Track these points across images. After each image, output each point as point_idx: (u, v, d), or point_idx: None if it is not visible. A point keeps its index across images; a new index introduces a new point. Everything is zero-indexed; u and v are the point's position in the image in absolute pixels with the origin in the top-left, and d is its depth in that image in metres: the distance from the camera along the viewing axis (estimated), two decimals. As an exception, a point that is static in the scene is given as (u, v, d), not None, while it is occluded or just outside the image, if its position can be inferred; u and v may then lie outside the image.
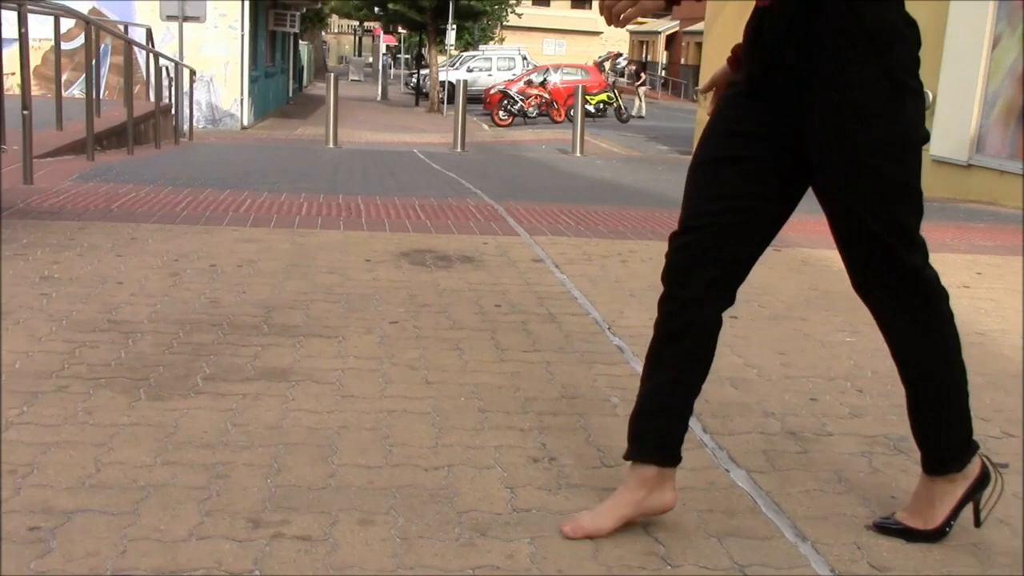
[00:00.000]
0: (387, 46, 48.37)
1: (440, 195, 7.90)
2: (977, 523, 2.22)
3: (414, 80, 43.60)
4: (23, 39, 6.78)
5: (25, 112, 6.54)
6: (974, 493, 2.19)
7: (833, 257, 5.21)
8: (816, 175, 2.06)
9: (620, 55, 47.19)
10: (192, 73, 16.90)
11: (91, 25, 9.87)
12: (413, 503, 2.26)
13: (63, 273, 4.22)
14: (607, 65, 40.42)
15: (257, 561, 1.97)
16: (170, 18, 18.07)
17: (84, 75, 20.49)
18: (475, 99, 34.24)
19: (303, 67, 37.81)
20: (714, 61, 16.86)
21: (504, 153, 16.86)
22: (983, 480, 2.20)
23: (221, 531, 2.09)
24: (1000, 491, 2.22)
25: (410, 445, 2.61)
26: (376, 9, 32.88)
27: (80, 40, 20.77)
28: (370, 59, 58.40)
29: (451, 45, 30.94)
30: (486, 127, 27.53)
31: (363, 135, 19.90)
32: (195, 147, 13.70)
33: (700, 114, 18.77)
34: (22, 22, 6.84)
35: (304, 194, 7.20)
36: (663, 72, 53.47)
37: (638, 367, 3.37)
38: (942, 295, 2.11)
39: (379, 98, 37.81)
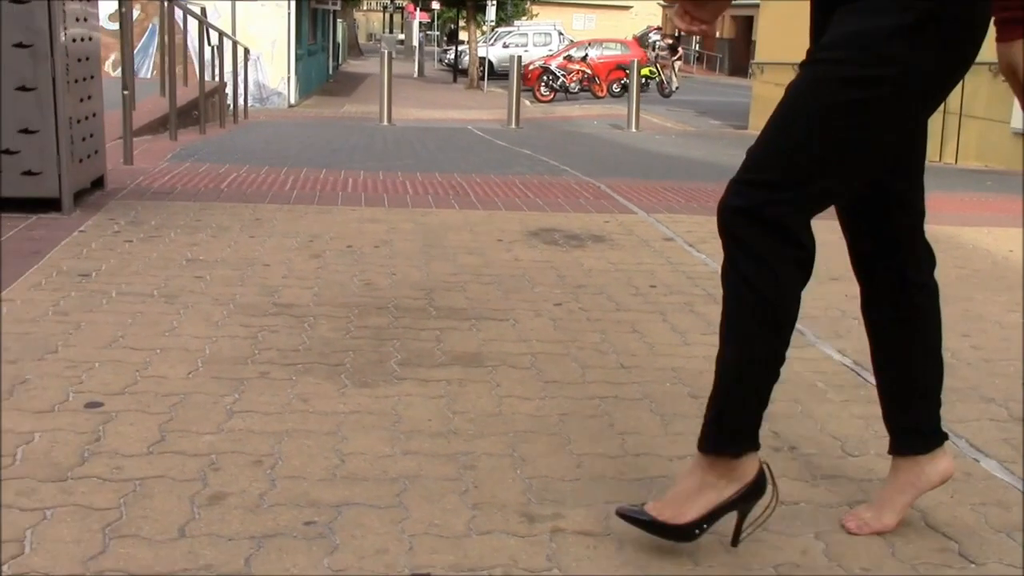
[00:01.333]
0: (420, 23, 48.14)
1: (533, 172, 7.79)
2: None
3: (448, 57, 43.42)
4: (124, 18, 6.68)
5: (125, 92, 6.46)
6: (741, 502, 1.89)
7: (969, 235, 5.05)
8: None
9: (659, 29, 46.72)
10: (246, 52, 16.81)
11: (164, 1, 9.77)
12: (678, 495, 2.17)
13: (206, 255, 4.15)
14: (650, 41, 39.95)
15: (551, 558, 1.89)
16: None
17: (133, 55, 20.50)
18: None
19: (339, 45, 37.69)
20: (768, 31, 16.53)
21: (560, 129, 16.71)
22: (755, 488, 1.89)
23: (498, 525, 2.00)
24: (773, 509, 1.93)
25: (640, 433, 2.52)
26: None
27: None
28: (401, 36, 58.16)
29: (491, 21, 30.68)
30: (528, 103, 27.23)
31: (410, 112, 19.79)
32: (256, 126, 13.63)
33: (756, 88, 18.53)
34: None
35: (399, 172, 7.11)
36: (697, 46, 52.87)
37: (827, 349, 3.28)
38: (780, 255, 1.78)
39: (416, 75, 37.64)
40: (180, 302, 3.46)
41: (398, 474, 2.21)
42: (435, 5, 40.57)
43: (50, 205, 4.82)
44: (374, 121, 16.85)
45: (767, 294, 1.79)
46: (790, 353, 1.89)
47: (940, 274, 2.10)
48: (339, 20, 38.05)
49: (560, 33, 38.85)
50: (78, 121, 4.94)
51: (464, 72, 34.87)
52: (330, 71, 31.72)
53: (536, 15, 48.12)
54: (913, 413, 2.06)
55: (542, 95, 28.37)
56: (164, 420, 2.44)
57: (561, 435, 2.48)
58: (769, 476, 1.91)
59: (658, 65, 29.68)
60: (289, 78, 21.33)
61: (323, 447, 2.33)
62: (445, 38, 53.16)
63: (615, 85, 28.98)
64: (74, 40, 4.87)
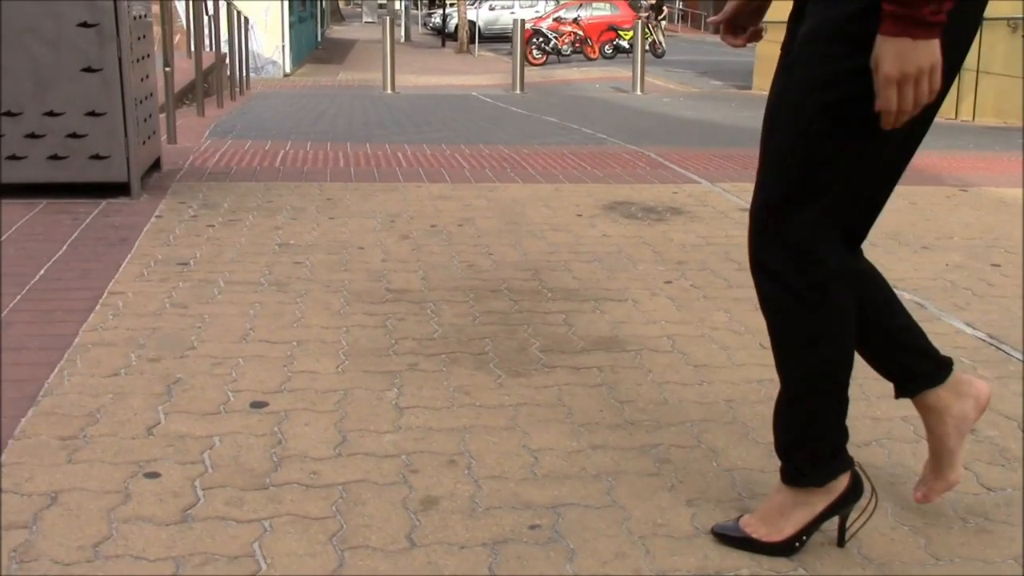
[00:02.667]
0: (401, -14, 47.57)
1: (575, 142, 7.70)
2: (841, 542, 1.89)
3: (434, 20, 42.93)
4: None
5: (167, 69, 6.32)
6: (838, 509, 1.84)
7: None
8: None
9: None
10: (245, 20, 16.53)
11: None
12: (897, 488, 2.13)
13: (296, 239, 4.07)
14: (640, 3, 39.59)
15: (795, 557, 1.84)
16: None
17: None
18: (498, 38, 33.78)
19: (324, 11, 37.22)
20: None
21: (565, 94, 16.56)
22: (849, 495, 1.84)
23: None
24: (873, 510, 1.90)
25: (816, 418, 2.48)
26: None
27: None
28: (382, 0, 57.49)
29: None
30: (521, 66, 27.06)
31: (408, 79, 19.52)
32: (264, 97, 13.44)
33: (761, 48, 18.39)
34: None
35: (443, 145, 7.01)
36: (680, 4, 52.54)
37: (955, 323, 3.24)
38: (815, 275, 1.71)
39: (402, 40, 37.22)
40: (292, 290, 3.39)
41: (597, 471, 2.16)
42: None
43: (117, 189, 4.71)
44: (376, 89, 16.68)
45: (815, 318, 1.72)
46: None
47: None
48: (323, -15, 37.56)
49: (546, -6, 38.42)
50: (139, 102, 4.82)
51: (452, 36, 34.51)
52: (319, 38, 31.34)
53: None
54: (904, 353, 1.92)
55: (534, 58, 28.07)
56: (337, 419, 2.37)
57: (737, 423, 2.43)
58: (864, 476, 1.87)
59: (650, 26, 29.44)
60: (284, 47, 21.04)
61: (509, 444, 2.28)
62: (427, 1, 52.59)
63: (607, 46, 28.74)
64: (134, 18, 4.74)
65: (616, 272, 3.75)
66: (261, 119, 9.02)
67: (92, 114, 4.55)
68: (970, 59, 11.94)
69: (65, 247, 3.83)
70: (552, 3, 36.24)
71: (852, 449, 1.86)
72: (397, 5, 49.53)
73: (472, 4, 34.81)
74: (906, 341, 1.92)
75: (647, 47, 28.83)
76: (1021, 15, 11.19)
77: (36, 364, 2.66)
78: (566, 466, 2.18)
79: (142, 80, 4.91)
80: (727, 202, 5.08)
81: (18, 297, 3.21)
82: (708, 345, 2.99)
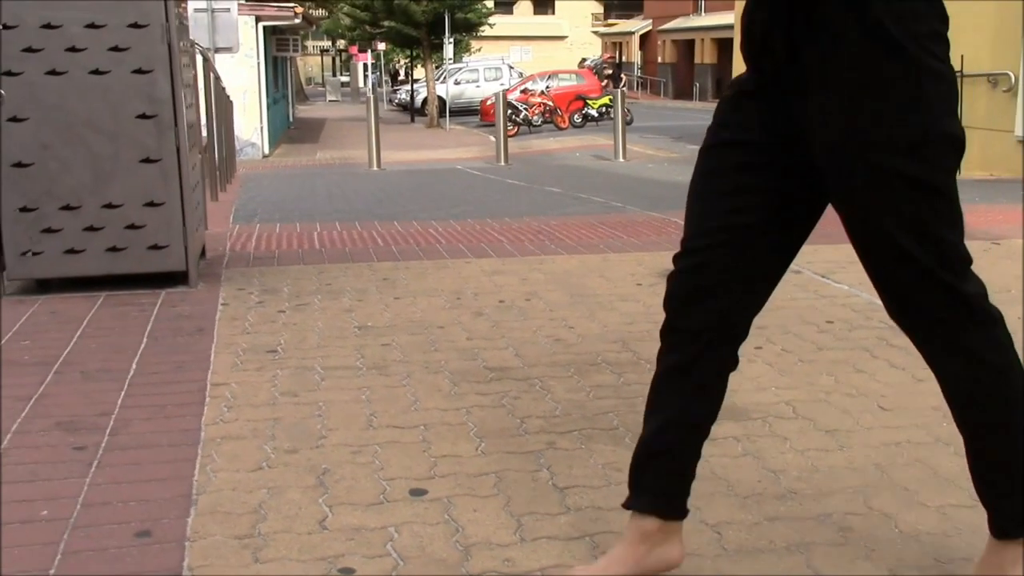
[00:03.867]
0: (364, 64, 48.13)
1: (595, 212, 7.77)
2: None
3: (399, 96, 43.33)
4: (209, 76, 6.53)
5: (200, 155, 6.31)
6: None
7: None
8: (825, 179, 1.74)
9: (611, 58, 47.22)
10: (230, 103, 16.62)
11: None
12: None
13: (372, 320, 4.05)
14: (597, 68, 40.33)
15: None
16: (202, 50, 17.75)
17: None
18: (464, 111, 34.16)
19: (292, 91, 37.51)
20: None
21: (550, 163, 16.74)
22: None
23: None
24: None
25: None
26: (368, 28, 32.63)
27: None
28: (344, 78, 58.05)
29: (450, 59, 30.73)
30: (492, 139, 27.37)
31: (388, 155, 19.62)
32: (260, 178, 13.44)
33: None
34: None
35: (470, 220, 7.05)
36: (639, 71, 53.59)
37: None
38: (995, 320, 1.74)
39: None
40: (394, 373, 3.37)
41: (786, 542, 2.15)
42: (380, 46, 40.53)
43: (173, 279, 4.69)
44: (361, 166, 16.78)
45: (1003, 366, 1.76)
46: None
47: None
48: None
49: (510, 67, 39.04)
50: (191, 190, 4.82)
51: (419, 111, 34.84)
52: (290, 118, 31.54)
53: (479, 50, 48.41)
54: (999, 488, 1.83)
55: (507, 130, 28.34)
56: (503, 503, 2.35)
57: (898, 487, 2.44)
58: None
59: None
60: (262, 128, 21.14)
61: (697, 521, 2.26)
62: (388, 78, 53.16)
63: (576, 115, 29.14)
64: (187, 107, 4.76)
65: (703, 340, 3.76)
66: (272, 201, 9.03)
67: (150, 204, 4.54)
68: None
69: (145, 340, 3.79)
70: (516, 76, 36.80)
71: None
72: (360, 83, 50.04)
73: (438, 79, 35.26)
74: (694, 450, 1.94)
75: (613, 115, 29.32)
76: (1000, 71, 11.57)
77: (175, 461, 2.61)
78: (752, 539, 2.17)
79: (192, 168, 4.91)
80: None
81: (122, 393, 3.16)
82: (829, 410, 3.00)
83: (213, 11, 16.81)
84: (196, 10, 16.27)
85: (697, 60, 45.61)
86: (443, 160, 18.70)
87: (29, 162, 4.41)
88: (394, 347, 3.68)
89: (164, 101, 4.49)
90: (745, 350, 3.55)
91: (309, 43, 71.22)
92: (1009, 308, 4.06)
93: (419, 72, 37.86)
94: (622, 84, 36.10)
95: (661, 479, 1.92)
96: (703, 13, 45.81)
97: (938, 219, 1.68)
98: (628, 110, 29.57)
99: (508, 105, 28.84)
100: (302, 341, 3.76)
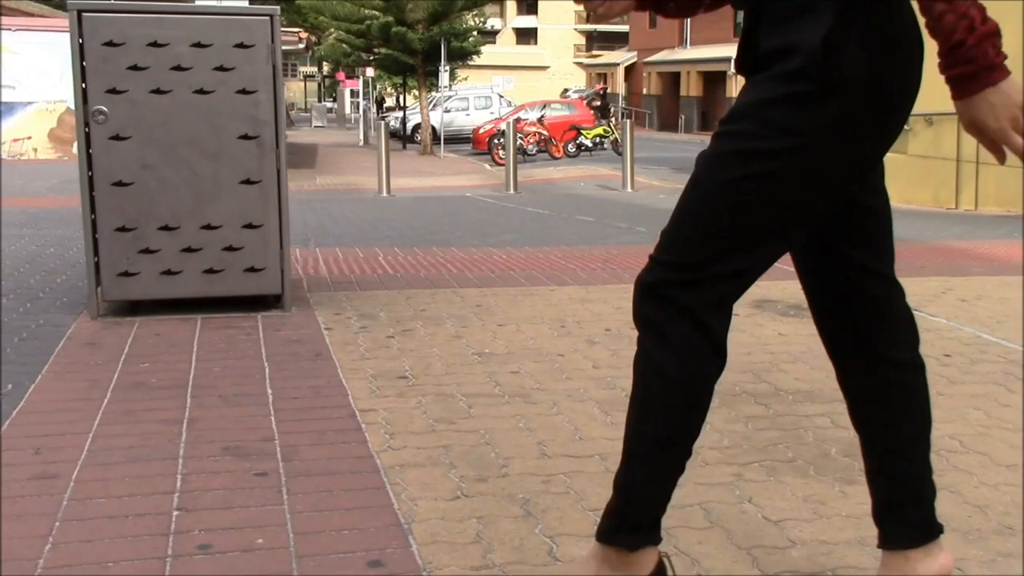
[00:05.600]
0: (351, 91, 48.15)
1: (641, 241, 7.76)
2: None
3: (390, 123, 43.34)
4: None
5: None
6: None
7: None
8: None
9: (604, 88, 47.48)
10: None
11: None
12: None
13: (488, 348, 4.00)
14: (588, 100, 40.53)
15: None
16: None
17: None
18: (454, 139, 34.20)
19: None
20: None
21: (561, 192, 16.75)
22: None
23: None
24: None
25: None
26: (364, 54, 32.67)
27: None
28: (329, 104, 57.99)
29: (446, 86, 30.80)
30: (488, 167, 27.43)
31: (394, 181, 19.59)
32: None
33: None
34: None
35: (527, 247, 7.03)
36: (623, 103, 53.94)
37: None
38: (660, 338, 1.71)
39: (361, 143, 37.51)
40: (539, 401, 3.32)
41: (1034, 578, 2.13)
42: (369, 73, 40.56)
43: (262, 302, 4.62)
44: (369, 192, 16.70)
45: (676, 379, 1.71)
46: None
47: None
48: (279, 91, 37.72)
49: (500, 96, 39.18)
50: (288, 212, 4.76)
51: (410, 138, 34.84)
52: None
53: (466, 78, 48.60)
54: (899, 503, 1.88)
55: (501, 159, 28.43)
56: (725, 536, 2.31)
57: (1113, 523, 2.42)
58: (671, 571, 1.86)
59: (611, 124, 30.13)
60: (263, 152, 20.99)
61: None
62: (374, 105, 53.27)
63: (570, 145, 29.28)
64: (281, 130, 4.71)
65: (830, 372, 3.73)
66: (314, 226, 8.96)
67: (249, 226, 4.48)
68: (968, 150, 12.40)
69: (267, 364, 3.72)
70: (505, 105, 36.95)
71: None
72: (347, 110, 50.01)
73: (430, 107, 35.31)
74: (919, 487, 1.89)
75: (608, 145, 29.50)
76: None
77: (365, 488, 2.55)
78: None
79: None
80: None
81: (272, 418, 3.10)
82: (997, 444, 2.98)
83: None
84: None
85: (683, 92, 45.99)
86: (448, 187, 18.66)
87: (129, 181, 4.34)
88: (524, 375, 3.63)
89: (266, 122, 4.44)
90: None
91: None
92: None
93: (409, 99, 37.90)
94: (611, 114, 36.32)
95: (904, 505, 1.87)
96: (688, 46, 46.23)
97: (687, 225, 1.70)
98: (621, 140, 29.82)
99: (501, 134, 29.01)
100: (427, 368, 3.71)
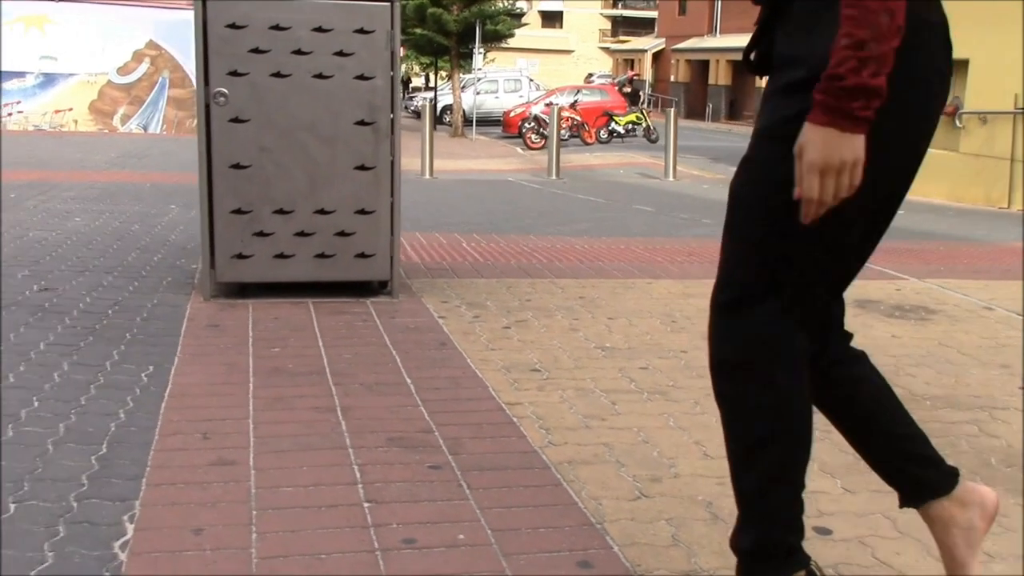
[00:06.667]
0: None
1: (713, 234, 7.74)
2: None
3: (414, 104, 43.26)
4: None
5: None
6: None
7: None
8: None
9: (637, 75, 47.25)
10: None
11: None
12: None
13: (608, 342, 4.00)
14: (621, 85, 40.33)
15: None
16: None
17: (143, 109, 20.14)
18: (482, 122, 34.11)
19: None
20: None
21: (603, 180, 16.72)
22: None
23: None
24: None
25: None
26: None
27: (139, 72, 20.33)
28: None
29: (479, 68, 30.71)
30: (520, 150, 27.39)
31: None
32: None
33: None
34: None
35: (604, 237, 7.02)
36: (650, 90, 53.71)
37: None
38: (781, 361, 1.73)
39: (389, 122, 37.50)
40: (680, 399, 3.32)
41: None
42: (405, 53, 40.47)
43: (366, 288, 4.62)
44: (412, 173, 16.65)
45: (801, 405, 1.74)
46: None
47: None
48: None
49: (530, 80, 39.05)
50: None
51: (439, 120, 34.78)
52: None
53: (493, 60, 48.41)
54: (907, 460, 1.90)
55: (533, 143, 28.41)
56: (921, 545, 2.30)
57: None
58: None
59: (644, 112, 30.03)
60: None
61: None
62: (400, 86, 53.07)
63: (602, 131, 29.19)
64: (390, 116, 4.70)
65: (958, 377, 3.73)
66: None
67: (361, 212, 4.48)
68: (1020, 149, 12.32)
69: (395, 352, 3.72)
70: (534, 89, 36.83)
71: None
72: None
73: (460, 89, 35.21)
74: (909, 448, 1.90)
75: (640, 133, 29.41)
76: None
77: (543, 485, 2.55)
78: None
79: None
80: (957, 298, 5.11)
81: (422, 408, 3.10)
82: None
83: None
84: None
85: (711, 81, 45.76)
86: (487, 171, 18.64)
87: (247, 164, 4.34)
88: (654, 371, 3.62)
89: (383, 108, 4.43)
90: (1008, 388, 3.53)
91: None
92: None
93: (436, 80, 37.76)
94: (641, 101, 36.16)
95: (904, 468, 1.90)
96: (718, 34, 45.96)
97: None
98: (653, 128, 29.75)
99: (534, 118, 28.94)
100: (556, 361, 3.71)
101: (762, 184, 1.67)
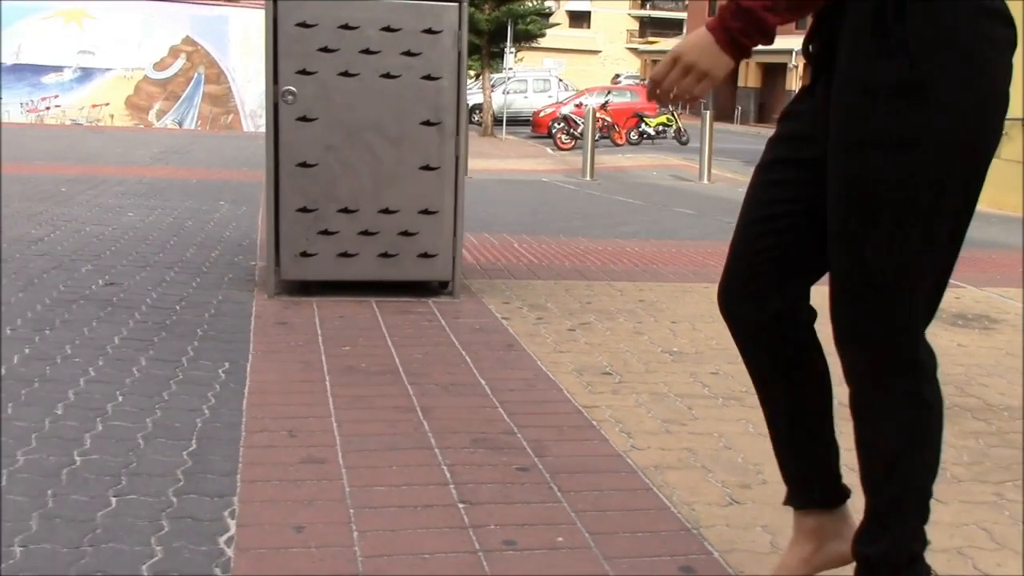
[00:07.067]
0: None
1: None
2: None
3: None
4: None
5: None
6: None
7: None
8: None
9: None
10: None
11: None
12: None
13: (675, 346, 4.00)
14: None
15: None
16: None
17: (178, 105, 20.26)
18: (510, 122, 34.13)
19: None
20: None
21: (637, 181, 16.69)
22: None
23: None
24: None
25: None
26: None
27: (174, 68, 20.47)
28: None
29: (510, 68, 30.74)
30: (550, 151, 27.39)
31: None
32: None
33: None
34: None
35: (651, 239, 7.01)
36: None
37: None
38: (922, 373, 1.71)
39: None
40: (756, 405, 3.29)
41: None
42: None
43: (425, 288, 4.63)
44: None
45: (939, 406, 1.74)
46: None
47: None
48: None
49: (559, 80, 39.03)
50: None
51: (469, 119, 34.79)
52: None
53: (522, 59, 48.37)
54: (826, 469, 1.93)
55: (563, 143, 28.39)
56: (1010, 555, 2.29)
57: None
58: None
59: (675, 113, 29.94)
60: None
61: None
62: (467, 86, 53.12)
63: (632, 133, 29.14)
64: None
65: (1030, 388, 3.70)
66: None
67: (425, 212, 4.49)
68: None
69: (464, 353, 3.73)
70: (562, 89, 36.81)
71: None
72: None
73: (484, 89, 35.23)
74: (828, 455, 1.92)
75: (671, 134, 29.35)
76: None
77: (633, 489, 2.55)
78: None
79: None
80: (1019, 307, 5.07)
81: (501, 410, 3.11)
82: None
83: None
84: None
85: (741, 83, 45.57)
86: (520, 171, 18.64)
87: (313, 163, 4.36)
88: (726, 376, 3.61)
89: (448, 109, 4.45)
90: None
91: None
92: None
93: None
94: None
95: (809, 471, 1.92)
96: (748, 37, 45.76)
97: (908, 241, 1.61)
98: (684, 130, 29.67)
99: (564, 119, 28.92)
100: (626, 365, 3.70)
101: (870, 184, 1.61)
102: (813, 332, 1.86)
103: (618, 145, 28.32)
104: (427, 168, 4.46)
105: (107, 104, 19.62)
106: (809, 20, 1.75)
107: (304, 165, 4.35)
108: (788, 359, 1.86)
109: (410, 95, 4.39)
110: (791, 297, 1.82)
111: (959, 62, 1.54)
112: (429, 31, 4.36)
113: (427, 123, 4.43)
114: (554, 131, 28.92)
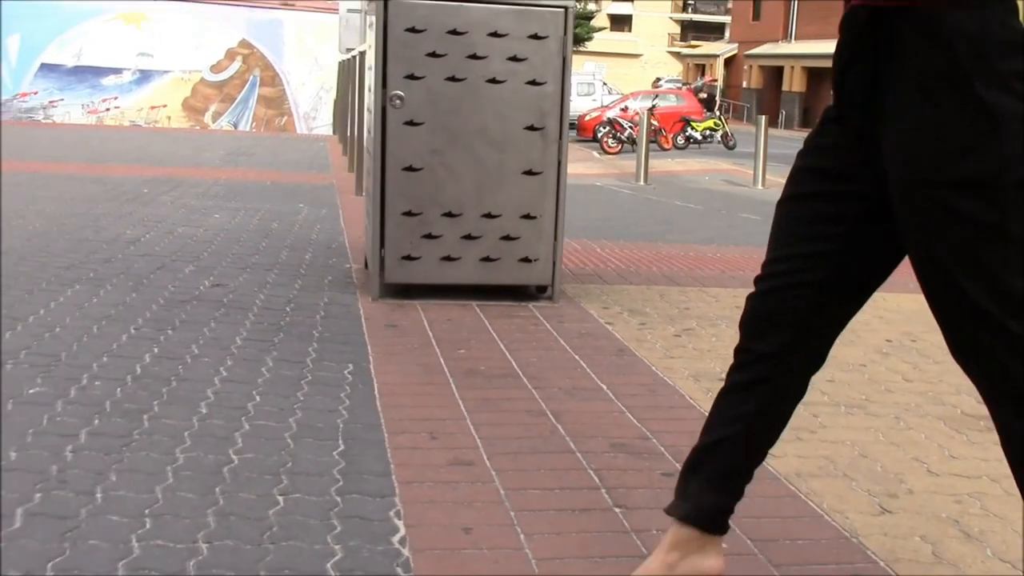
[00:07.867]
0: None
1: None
2: None
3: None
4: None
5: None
6: None
7: None
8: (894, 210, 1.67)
9: (713, 81, 47.02)
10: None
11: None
12: None
13: (783, 353, 3.99)
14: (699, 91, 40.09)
15: None
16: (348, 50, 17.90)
17: (233, 107, 20.47)
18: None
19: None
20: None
21: (691, 187, 16.61)
22: None
23: None
24: None
25: None
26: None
27: (231, 71, 20.70)
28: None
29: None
30: (597, 155, 27.38)
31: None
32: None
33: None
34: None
35: (733, 245, 7.01)
36: (721, 96, 53.31)
37: None
38: None
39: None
40: (879, 414, 3.31)
41: None
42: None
43: (526, 293, 4.66)
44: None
45: None
46: None
47: None
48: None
49: (603, 83, 39.00)
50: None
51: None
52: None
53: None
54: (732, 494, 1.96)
55: (609, 147, 28.36)
56: None
57: None
58: None
59: (722, 118, 29.86)
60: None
61: None
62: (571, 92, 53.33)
63: (678, 137, 29.07)
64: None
65: None
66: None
67: (527, 217, 4.52)
68: None
69: (577, 357, 3.75)
70: (607, 92, 36.77)
71: None
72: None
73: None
74: (741, 482, 1.94)
75: (718, 139, 29.23)
76: None
77: (781, 496, 2.57)
78: None
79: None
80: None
81: (630, 415, 3.13)
82: None
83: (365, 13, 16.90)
84: (349, 11, 16.42)
85: (785, 87, 45.30)
86: (572, 174, 18.59)
87: (419, 167, 4.41)
88: (842, 384, 3.61)
89: (552, 114, 4.47)
90: None
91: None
92: None
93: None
94: (716, 107, 35.96)
95: (708, 493, 1.92)
96: (792, 40, 45.52)
97: (1007, 266, 1.56)
98: (731, 134, 29.55)
99: (611, 122, 28.88)
100: (739, 370, 3.70)
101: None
102: (806, 382, 1.90)
103: (665, 149, 28.25)
104: (530, 173, 4.49)
105: (164, 106, 19.88)
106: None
107: (410, 169, 4.40)
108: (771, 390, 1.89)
109: (515, 100, 4.42)
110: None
111: None
112: (535, 36, 4.39)
113: (531, 128, 4.46)
114: (600, 135, 28.86)
